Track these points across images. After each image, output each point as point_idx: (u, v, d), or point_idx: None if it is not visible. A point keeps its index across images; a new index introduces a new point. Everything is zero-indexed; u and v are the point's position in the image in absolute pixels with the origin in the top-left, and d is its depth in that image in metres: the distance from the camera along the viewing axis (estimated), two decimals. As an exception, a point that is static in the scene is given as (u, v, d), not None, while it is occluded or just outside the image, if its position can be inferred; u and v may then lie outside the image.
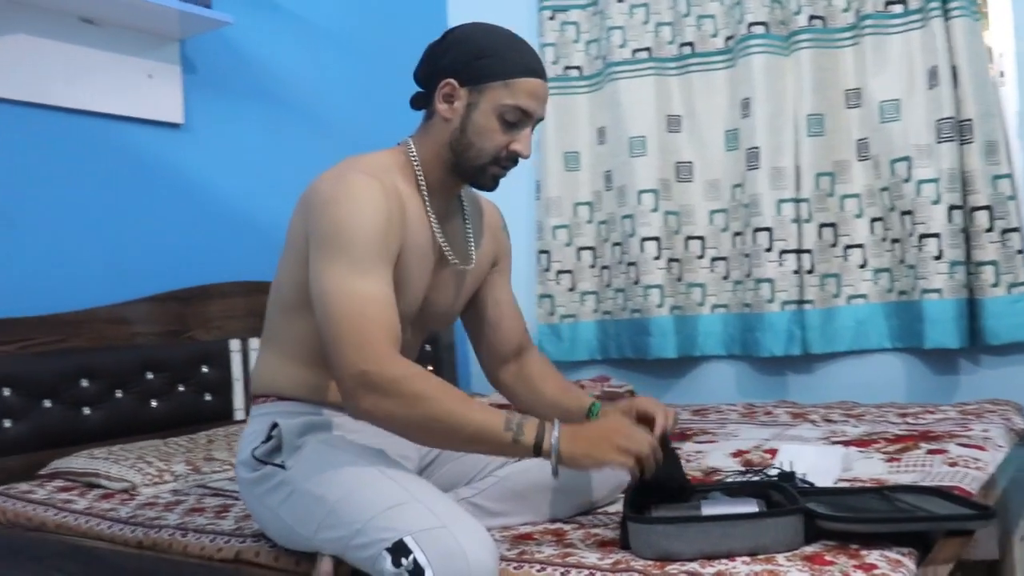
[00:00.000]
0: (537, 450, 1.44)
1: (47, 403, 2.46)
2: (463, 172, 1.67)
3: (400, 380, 1.44)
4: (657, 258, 3.34)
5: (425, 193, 1.70)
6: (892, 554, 1.38)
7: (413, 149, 1.70)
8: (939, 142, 2.90)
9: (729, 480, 1.85)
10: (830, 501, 1.59)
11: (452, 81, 1.62)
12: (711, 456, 2.25)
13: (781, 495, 1.58)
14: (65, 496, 2.20)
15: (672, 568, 1.38)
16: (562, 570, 1.43)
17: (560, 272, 3.56)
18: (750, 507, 1.50)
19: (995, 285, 2.89)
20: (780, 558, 1.38)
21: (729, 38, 3.32)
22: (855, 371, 3.17)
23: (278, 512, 1.60)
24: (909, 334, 3.02)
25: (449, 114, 1.64)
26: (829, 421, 2.64)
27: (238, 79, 3.06)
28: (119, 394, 2.61)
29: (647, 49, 3.41)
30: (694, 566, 1.38)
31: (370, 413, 1.47)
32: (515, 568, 1.46)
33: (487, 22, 1.70)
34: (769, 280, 3.14)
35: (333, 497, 1.48)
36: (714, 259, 3.36)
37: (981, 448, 2.12)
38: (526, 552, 1.52)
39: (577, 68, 3.58)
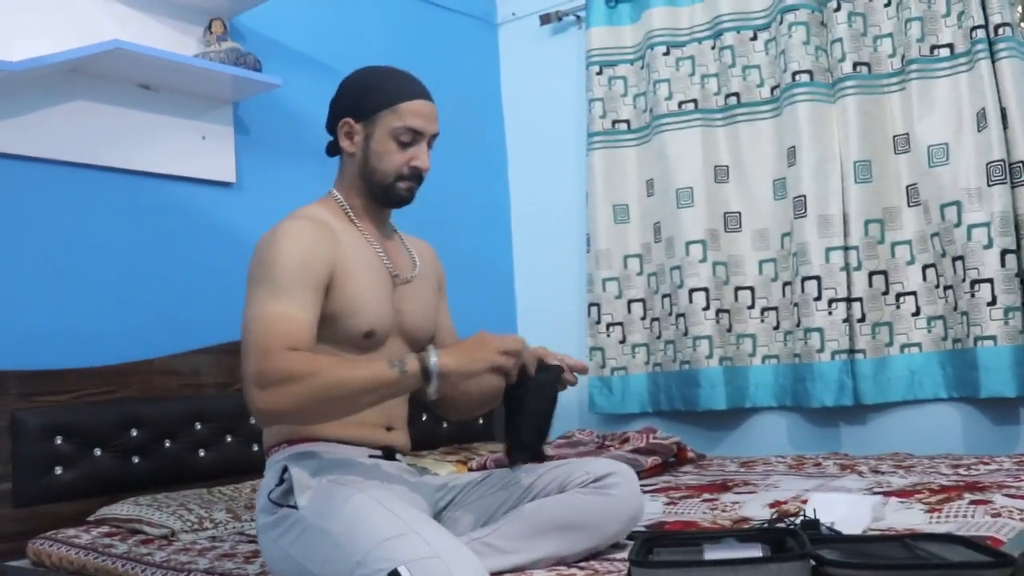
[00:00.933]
0: (426, 375, 1.56)
1: (97, 451, 2.52)
2: (377, 195, 1.86)
3: (288, 366, 1.55)
4: (706, 309, 3.31)
5: (357, 223, 1.87)
6: (901, 602, 1.33)
7: (336, 192, 1.90)
8: (990, 185, 2.83)
9: (747, 527, 1.80)
10: (847, 549, 1.54)
11: (349, 119, 1.84)
12: (747, 507, 2.20)
13: (795, 541, 1.53)
14: (107, 541, 2.25)
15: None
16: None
17: (610, 324, 3.55)
18: (755, 552, 1.46)
19: (1053, 331, 2.79)
20: (782, 603, 1.34)
21: (775, 87, 3.31)
22: (909, 422, 3.08)
23: (290, 552, 1.63)
24: (964, 383, 2.93)
25: (352, 148, 1.85)
26: (877, 472, 2.55)
27: (288, 138, 3.16)
28: (167, 443, 2.66)
29: (693, 101, 3.42)
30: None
31: (269, 407, 1.55)
32: (516, 609, 1.45)
33: (375, 65, 1.93)
34: (819, 329, 3.09)
35: (337, 530, 1.52)
36: (764, 309, 3.32)
37: (1028, 498, 2.03)
38: (532, 595, 1.51)
39: (625, 122, 3.60)
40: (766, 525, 1.74)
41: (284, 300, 1.64)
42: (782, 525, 1.75)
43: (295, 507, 1.64)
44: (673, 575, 1.39)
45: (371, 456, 1.82)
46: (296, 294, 1.66)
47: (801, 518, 1.77)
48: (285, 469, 1.70)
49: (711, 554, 1.46)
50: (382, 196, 1.86)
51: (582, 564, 1.72)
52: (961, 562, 1.41)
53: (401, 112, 1.80)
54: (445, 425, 3.37)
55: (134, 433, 2.60)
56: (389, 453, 1.86)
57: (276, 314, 1.62)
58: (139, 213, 2.80)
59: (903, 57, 3.08)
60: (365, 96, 1.83)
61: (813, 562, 1.40)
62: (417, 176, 1.85)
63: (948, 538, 1.58)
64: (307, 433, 1.77)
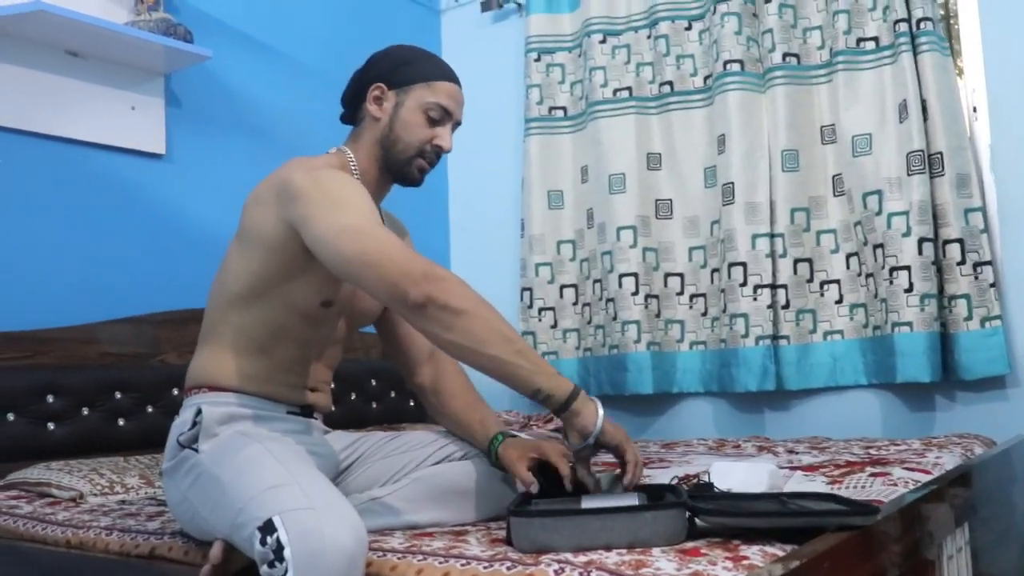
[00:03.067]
0: (568, 406, 1.56)
1: (11, 416, 2.50)
2: (392, 165, 1.81)
3: (462, 282, 1.52)
4: (635, 294, 3.33)
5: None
6: (772, 549, 1.35)
7: (350, 153, 1.82)
8: (909, 175, 2.88)
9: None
10: (726, 504, 1.56)
11: (381, 85, 1.79)
12: (655, 479, 2.21)
13: (673, 495, 1.56)
14: (12, 503, 2.23)
15: (545, 557, 1.36)
16: (440, 559, 1.43)
17: (543, 309, 3.57)
18: (631, 501, 1.48)
19: (968, 319, 2.84)
20: (655, 550, 1.36)
21: (707, 77, 3.35)
22: (831, 408, 3.12)
23: (187, 495, 1.63)
24: (883, 369, 2.97)
25: (379, 114, 1.79)
26: (792, 452, 2.59)
27: (220, 112, 3.15)
28: (85, 411, 2.63)
29: (628, 89, 3.46)
30: (567, 556, 1.36)
31: (442, 295, 1.48)
32: (399, 558, 1.46)
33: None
34: (744, 315, 3.12)
35: (226, 478, 1.52)
36: (692, 296, 3.36)
37: (927, 472, 2.07)
38: (416, 545, 1.52)
39: (562, 108, 3.63)
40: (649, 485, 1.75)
41: (370, 222, 1.57)
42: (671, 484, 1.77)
43: (197, 451, 1.64)
44: (548, 523, 1.40)
45: (289, 412, 1.81)
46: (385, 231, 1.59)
47: (695, 482, 1.80)
48: (199, 411, 1.69)
49: (588, 503, 1.48)
50: (396, 169, 1.81)
51: (476, 523, 1.74)
52: (824, 510, 1.44)
53: (436, 89, 1.78)
54: (375, 405, 3.38)
55: (50, 400, 2.57)
56: (307, 411, 1.85)
57: (390, 239, 1.55)
58: (64, 180, 2.77)
59: (831, 49, 3.13)
60: (402, 67, 1.80)
61: (688, 513, 1.43)
62: (437, 156, 1.82)
63: (823, 496, 1.61)
64: (229, 383, 1.75)
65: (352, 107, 1.87)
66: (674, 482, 2.01)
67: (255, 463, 1.52)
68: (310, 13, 3.49)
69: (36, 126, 2.71)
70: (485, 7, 3.85)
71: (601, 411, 1.57)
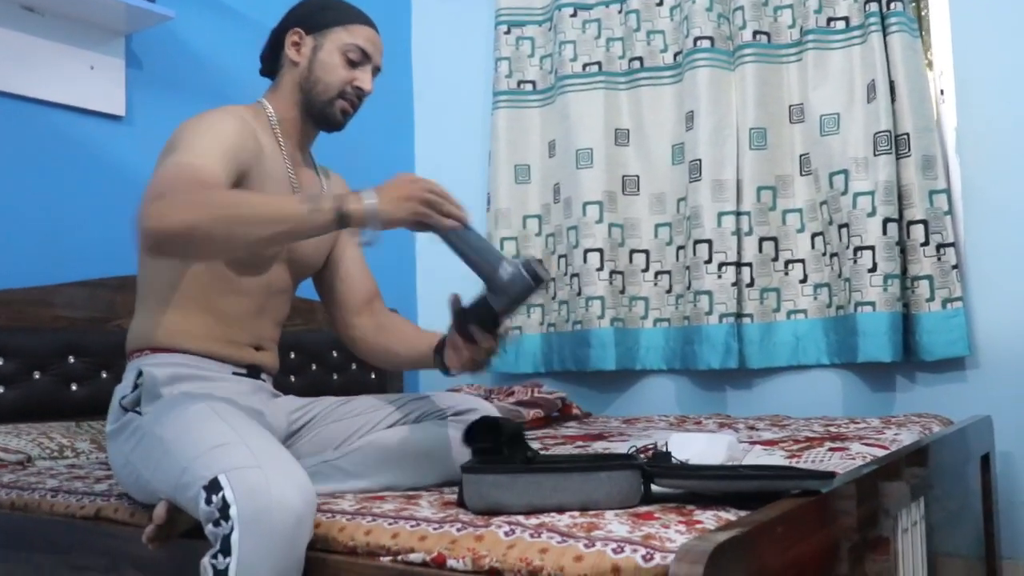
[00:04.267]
0: (341, 219, 1.45)
1: (-42, 378, 2.45)
2: (313, 108, 1.83)
3: (188, 190, 1.45)
4: (600, 270, 3.31)
5: (280, 139, 1.82)
6: (726, 515, 1.34)
7: (266, 102, 1.87)
8: (876, 155, 2.88)
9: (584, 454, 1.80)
10: (677, 470, 1.54)
11: (299, 29, 1.83)
12: (612, 451, 2.21)
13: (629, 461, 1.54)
14: (-42, 466, 2.19)
15: (496, 520, 1.34)
16: (390, 521, 1.40)
17: (507, 284, 3.53)
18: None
19: (930, 300, 2.84)
20: (608, 513, 1.34)
21: (677, 53, 3.33)
22: (793, 386, 3.12)
23: (130, 457, 1.60)
24: (845, 349, 2.97)
25: (298, 58, 1.82)
26: (752, 429, 2.59)
27: (182, 74, 3.09)
28: (37, 375, 2.58)
29: (598, 63, 3.42)
30: (518, 518, 1.34)
31: (163, 222, 1.38)
32: (348, 519, 1.43)
33: None
34: (708, 292, 3.11)
35: (169, 437, 1.48)
36: (658, 273, 3.34)
37: (884, 448, 2.07)
38: (366, 507, 1.49)
39: (531, 82, 3.59)
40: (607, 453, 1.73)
41: (201, 159, 1.54)
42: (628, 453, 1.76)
43: (139, 413, 1.61)
44: (500, 480, 1.38)
45: (235, 373, 1.78)
46: (215, 164, 1.56)
47: (653, 451, 1.78)
48: (140, 374, 1.65)
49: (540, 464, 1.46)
50: (318, 111, 1.83)
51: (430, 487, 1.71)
52: (775, 475, 1.42)
53: (354, 32, 1.82)
54: (336, 376, 3.34)
55: (1, 362, 2.52)
56: (254, 371, 1.82)
57: (190, 164, 1.52)
58: (18, 139, 2.70)
59: (801, 28, 3.11)
60: (319, 12, 1.83)
61: (641, 475, 1.41)
62: (357, 98, 1.83)
63: (781, 468, 1.59)
64: (171, 343, 1.73)
65: (270, 60, 1.89)
66: (631, 451, 2.00)
67: (199, 421, 1.48)
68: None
69: (-10, 83, 2.65)
70: (456, -23, 3.80)
71: (370, 200, 1.47)
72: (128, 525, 1.65)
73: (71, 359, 2.66)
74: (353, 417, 1.80)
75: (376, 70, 1.86)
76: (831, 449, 2.04)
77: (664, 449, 1.79)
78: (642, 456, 1.83)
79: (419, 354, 1.81)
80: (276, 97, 1.85)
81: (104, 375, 2.72)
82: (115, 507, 1.70)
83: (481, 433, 1.53)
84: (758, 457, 2.02)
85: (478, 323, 1.60)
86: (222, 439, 1.41)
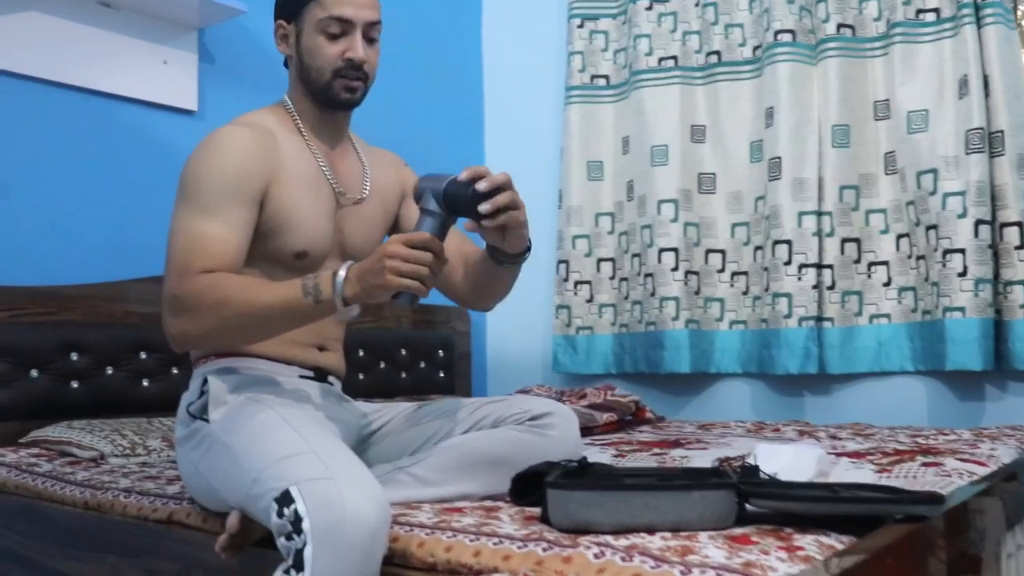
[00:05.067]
0: (342, 302, 1.44)
1: (35, 373, 2.44)
2: (317, 96, 1.74)
3: (199, 290, 1.49)
4: (675, 270, 3.23)
5: (304, 132, 1.76)
6: (828, 540, 1.26)
7: (287, 99, 1.80)
8: (967, 153, 2.76)
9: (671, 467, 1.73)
10: (773, 489, 1.46)
11: (281, 21, 1.76)
12: (694, 461, 2.12)
13: (719, 479, 1.46)
14: (33, 461, 2.18)
15: (584, 539, 1.27)
16: (471, 537, 1.34)
17: (578, 283, 3.48)
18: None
19: (1024, 306, 2.72)
20: (702, 535, 1.27)
21: (756, 47, 3.23)
22: (875, 393, 3.01)
23: (198, 466, 1.56)
24: (931, 356, 2.86)
25: (287, 51, 1.77)
26: (835, 438, 2.49)
27: (254, 69, 3.06)
28: (110, 371, 2.58)
29: (673, 58, 3.34)
30: (607, 538, 1.27)
31: (180, 332, 1.53)
32: (427, 534, 1.37)
33: None
34: (787, 295, 3.01)
35: (238, 446, 1.44)
36: (734, 273, 3.25)
37: (982, 464, 1.96)
38: (445, 521, 1.43)
39: (604, 77, 3.52)
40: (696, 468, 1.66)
41: (209, 218, 1.56)
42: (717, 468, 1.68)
43: (207, 421, 1.57)
44: (588, 498, 1.31)
45: (301, 376, 1.74)
46: (223, 211, 1.57)
47: (741, 465, 1.70)
48: (205, 381, 1.62)
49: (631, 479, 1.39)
50: (323, 97, 1.73)
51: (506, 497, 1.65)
52: (885, 498, 1.34)
53: (324, 2, 1.68)
54: (404, 375, 3.30)
55: (74, 357, 2.51)
56: (321, 374, 1.78)
57: (198, 233, 1.55)
58: (93, 134, 2.70)
59: (888, 20, 3.00)
60: None
61: (736, 495, 1.34)
62: (355, 69, 1.70)
63: (878, 488, 1.51)
64: (235, 347, 1.70)
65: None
66: (716, 464, 1.92)
67: (268, 430, 1.44)
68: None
69: (66, 77, 2.64)
70: (528, -30, 3.74)
71: (341, 274, 1.43)
72: (200, 531, 1.62)
73: (143, 355, 2.66)
74: (428, 422, 1.75)
75: (371, 26, 1.72)
76: (924, 464, 1.93)
77: (751, 463, 1.71)
78: (724, 465, 1.75)
79: (482, 261, 1.76)
80: (292, 92, 1.79)
81: (175, 371, 2.72)
82: (187, 511, 1.67)
83: (530, 484, 1.47)
84: (846, 471, 1.93)
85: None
86: (292, 449, 1.37)
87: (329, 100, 1.74)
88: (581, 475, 1.49)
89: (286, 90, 1.81)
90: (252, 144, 1.65)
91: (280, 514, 1.27)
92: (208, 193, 1.58)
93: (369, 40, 1.73)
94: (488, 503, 1.61)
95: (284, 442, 1.39)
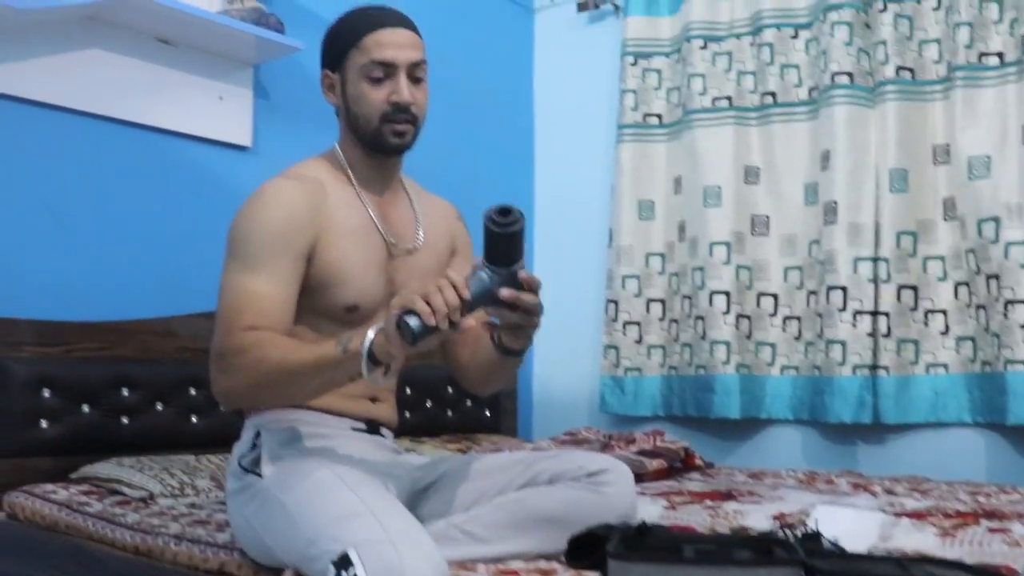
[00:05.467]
0: (370, 355, 1.40)
1: (86, 408, 2.45)
2: (367, 143, 1.73)
3: (244, 350, 1.49)
4: (726, 313, 3.20)
5: (355, 182, 1.75)
6: (898, 620, 1.22)
7: (337, 147, 1.79)
8: (1031, 202, 2.71)
9: (732, 534, 1.70)
10: (842, 564, 1.43)
11: (326, 71, 1.76)
12: (749, 516, 2.09)
13: (784, 551, 1.42)
14: (83, 499, 2.19)
15: (646, 612, 1.25)
16: (530, 604, 1.32)
17: (627, 323, 3.45)
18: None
19: (1088, 359, 2.66)
20: (767, 613, 1.24)
21: (813, 88, 3.20)
22: (931, 445, 2.96)
23: (252, 522, 1.56)
24: (991, 408, 2.80)
25: (335, 100, 1.77)
26: (891, 493, 2.44)
27: (309, 105, 3.05)
28: (159, 407, 2.59)
29: (728, 98, 3.32)
30: (669, 612, 1.24)
31: (224, 390, 1.56)
32: (483, 599, 1.36)
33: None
34: (841, 342, 2.97)
35: (293, 505, 1.44)
36: (786, 318, 3.21)
37: (1050, 530, 1.91)
38: (501, 584, 1.41)
39: (657, 116, 3.50)
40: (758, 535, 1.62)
41: (256, 274, 1.56)
42: (780, 535, 1.64)
43: (260, 475, 1.57)
44: (652, 570, 1.29)
45: (353, 429, 1.73)
46: (270, 266, 1.58)
47: (802, 530, 1.66)
48: (258, 434, 1.62)
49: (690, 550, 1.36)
50: (372, 143, 1.72)
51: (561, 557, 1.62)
52: (958, 574, 1.29)
53: (365, 47, 1.68)
54: (450, 413, 3.29)
55: (125, 393, 2.53)
56: (373, 427, 1.76)
57: (245, 289, 1.56)
58: (148, 169, 2.73)
59: (949, 63, 2.96)
60: (332, 45, 1.74)
61: (804, 572, 1.30)
62: (402, 112, 1.68)
63: (952, 564, 1.47)
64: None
65: None
66: (775, 526, 1.88)
67: (324, 490, 1.44)
68: (405, 9, 3.39)
69: (124, 113, 2.67)
70: (581, 7, 3.74)
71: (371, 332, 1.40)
72: (252, 583, 1.61)
73: (192, 391, 2.66)
74: (482, 477, 1.73)
75: (414, 66, 1.70)
76: (991, 530, 1.88)
77: (812, 528, 1.67)
78: (788, 531, 1.71)
79: (487, 351, 1.72)
80: (342, 141, 1.79)
81: (223, 407, 2.71)
82: (238, 563, 1.66)
83: (586, 546, 1.45)
84: (907, 534, 1.88)
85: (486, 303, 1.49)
86: (350, 510, 1.37)
87: (379, 146, 1.72)
88: (639, 540, 1.46)
89: (337, 139, 1.81)
90: (300, 198, 1.65)
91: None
92: (255, 249, 1.58)
93: (415, 80, 1.71)
94: (543, 563, 1.59)
95: (340, 502, 1.39)
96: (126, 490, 2.22)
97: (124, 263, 2.67)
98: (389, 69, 1.68)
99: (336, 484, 1.44)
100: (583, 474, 1.67)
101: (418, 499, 1.73)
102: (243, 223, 1.62)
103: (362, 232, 1.71)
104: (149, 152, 2.74)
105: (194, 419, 2.66)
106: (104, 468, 2.33)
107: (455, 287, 1.37)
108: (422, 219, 1.83)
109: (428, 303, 1.34)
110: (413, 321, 1.35)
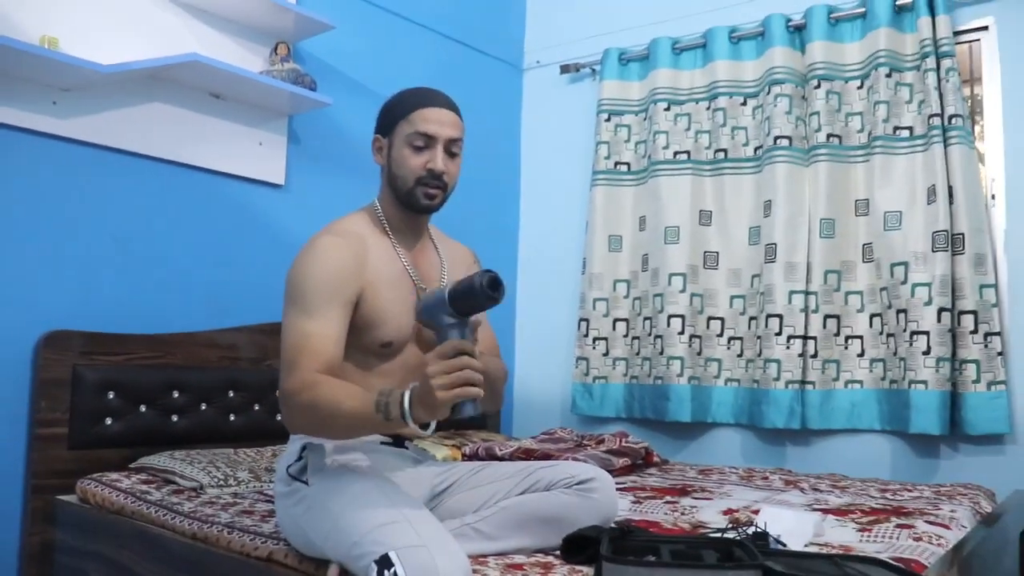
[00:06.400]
0: (406, 418, 1.42)
1: (143, 408, 2.51)
2: (403, 200, 1.76)
3: (298, 392, 1.52)
4: (681, 333, 3.28)
5: (390, 234, 1.78)
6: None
7: (377, 203, 1.82)
8: (934, 251, 2.82)
9: (701, 534, 1.78)
10: (787, 562, 1.52)
11: (378, 135, 1.79)
12: (703, 512, 2.18)
13: (743, 552, 1.51)
14: (144, 488, 2.23)
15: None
16: (536, 597, 1.39)
17: (596, 339, 3.52)
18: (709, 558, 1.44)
19: (976, 381, 2.77)
20: (729, 606, 1.32)
21: (758, 148, 3.28)
22: (847, 447, 3.05)
23: (299, 522, 1.61)
24: (897, 418, 2.90)
25: (381, 161, 1.79)
26: (816, 490, 2.54)
27: (333, 151, 3.13)
28: (204, 407, 2.64)
29: (687, 152, 3.39)
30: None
31: (288, 424, 1.57)
32: (496, 590, 1.43)
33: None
34: (777, 361, 3.06)
35: (339, 511, 1.49)
36: (731, 338, 3.29)
37: (946, 527, 2.01)
38: (510, 578, 1.49)
39: (626, 164, 3.57)
40: (720, 535, 1.70)
41: (312, 319, 1.59)
42: (734, 534, 1.73)
43: (307, 483, 1.62)
44: (640, 572, 1.36)
45: (382, 443, 1.78)
46: (324, 312, 1.61)
47: (752, 529, 1.75)
48: (304, 447, 1.67)
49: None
50: (407, 201, 1.75)
51: (556, 552, 1.70)
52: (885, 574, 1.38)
53: (413, 119, 1.71)
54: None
55: (176, 395, 2.58)
56: (398, 441, 1.82)
57: (304, 332, 1.58)
58: (197, 204, 2.77)
59: (870, 133, 3.05)
60: (388, 113, 1.77)
61: (762, 573, 1.39)
62: (435, 178, 1.72)
63: (874, 561, 1.56)
64: None
65: None
66: (727, 522, 1.96)
67: (365, 499, 1.49)
68: (417, 68, 3.45)
69: (179, 156, 2.71)
70: (564, 70, 3.79)
71: (406, 401, 1.42)
72: (296, 571, 1.66)
73: (231, 393, 2.71)
74: (489, 484, 1.79)
75: (452, 143, 1.73)
76: (899, 526, 1.98)
77: (761, 527, 1.76)
78: (740, 529, 1.79)
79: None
80: (382, 197, 1.81)
81: (256, 407, 2.77)
82: (284, 552, 1.71)
83: (578, 544, 1.51)
84: (832, 529, 1.98)
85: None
86: (388, 517, 1.42)
87: (411, 205, 1.75)
88: (624, 541, 1.54)
89: (377, 195, 1.84)
90: (347, 254, 1.68)
91: (380, 574, 1.32)
92: (311, 298, 1.61)
93: (451, 154, 1.75)
94: (541, 558, 1.66)
95: (380, 511, 1.45)
96: (179, 480, 2.27)
97: (176, 284, 2.71)
98: (430, 141, 1.71)
99: (375, 495, 1.49)
100: (574, 482, 1.73)
101: (436, 501, 1.79)
102: (300, 275, 1.65)
103: (396, 279, 1.75)
104: (199, 189, 2.78)
105: (232, 417, 2.71)
106: (159, 460, 2.38)
107: (449, 355, 1.39)
108: (446, 264, 1.87)
109: (453, 385, 1.37)
110: (469, 408, 1.39)
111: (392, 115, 1.75)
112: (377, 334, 1.70)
